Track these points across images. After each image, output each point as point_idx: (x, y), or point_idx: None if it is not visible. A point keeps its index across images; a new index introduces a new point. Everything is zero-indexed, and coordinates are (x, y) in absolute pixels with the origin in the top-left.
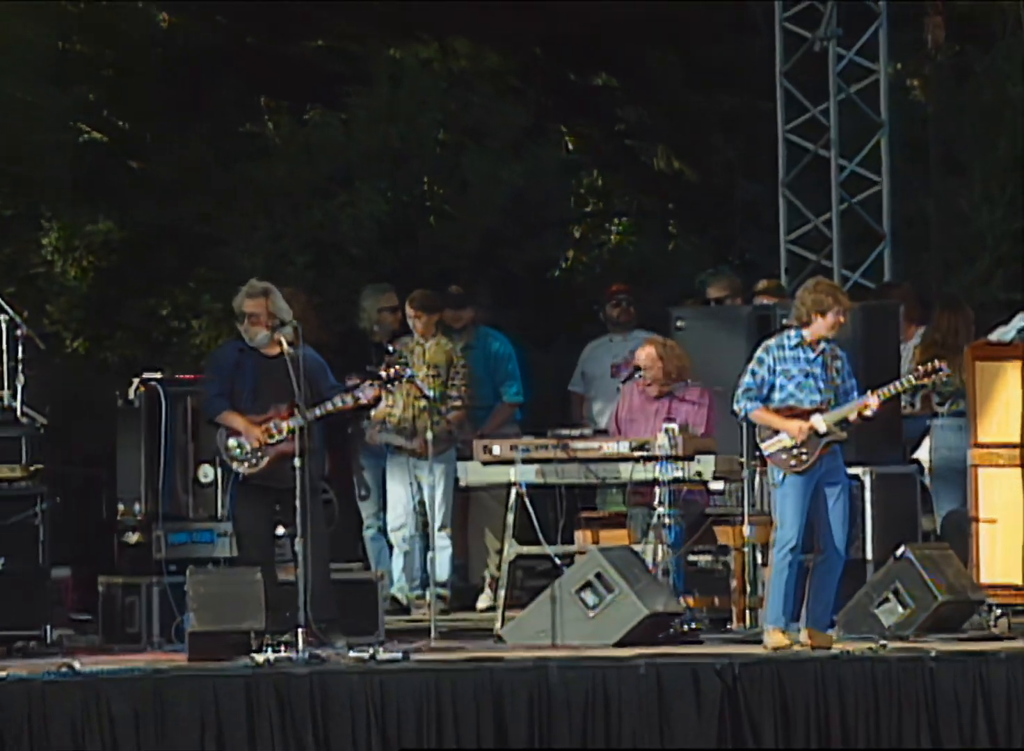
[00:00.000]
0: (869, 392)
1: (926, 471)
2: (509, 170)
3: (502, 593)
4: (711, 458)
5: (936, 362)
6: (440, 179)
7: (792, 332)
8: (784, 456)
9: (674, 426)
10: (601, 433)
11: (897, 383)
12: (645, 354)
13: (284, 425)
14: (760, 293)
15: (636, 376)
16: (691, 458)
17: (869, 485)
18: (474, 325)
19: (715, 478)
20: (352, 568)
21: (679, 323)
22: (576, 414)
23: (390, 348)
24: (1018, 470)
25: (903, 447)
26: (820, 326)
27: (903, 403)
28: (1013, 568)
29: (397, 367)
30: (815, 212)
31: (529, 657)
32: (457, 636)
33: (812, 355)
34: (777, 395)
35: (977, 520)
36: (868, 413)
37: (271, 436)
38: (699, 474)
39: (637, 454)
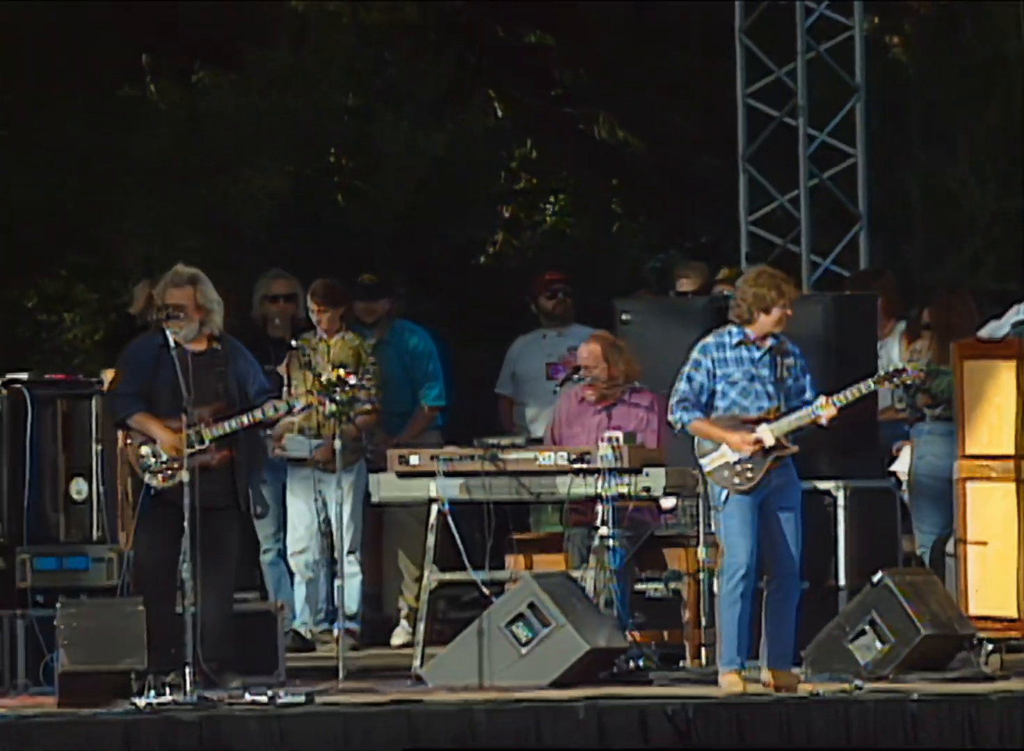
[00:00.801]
0: (824, 398)
1: (905, 485)
2: (428, 140)
3: (421, 627)
4: (661, 471)
5: (903, 365)
6: (349, 150)
7: (733, 328)
8: (727, 473)
9: (618, 435)
10: (535, 442)
11: (857, 387)
12: (588, 352)
13: (207, 433)
14: (719, 282)
15: (576, 378)
16: (638, 471)
17: (842, 501)
18: (389, 319)
19: (666, 494)
20: (247, 598)
21: (624, 317)
22: (505, 420)
23: (293, 344)
24: (1012, 485)
25: (881, 457)
26: (764, 323)
27: (896, 404)
28: (1006, 597)
29: (341, 372)
30: (780, 189)
31: (452, 700)
32: (369, 676)
33: (757, 354)
34: (719, 403)
35: (965, 542)
36: (823, 422)
37: (190, 445)
38: (647, 489)
39: (576, 467)
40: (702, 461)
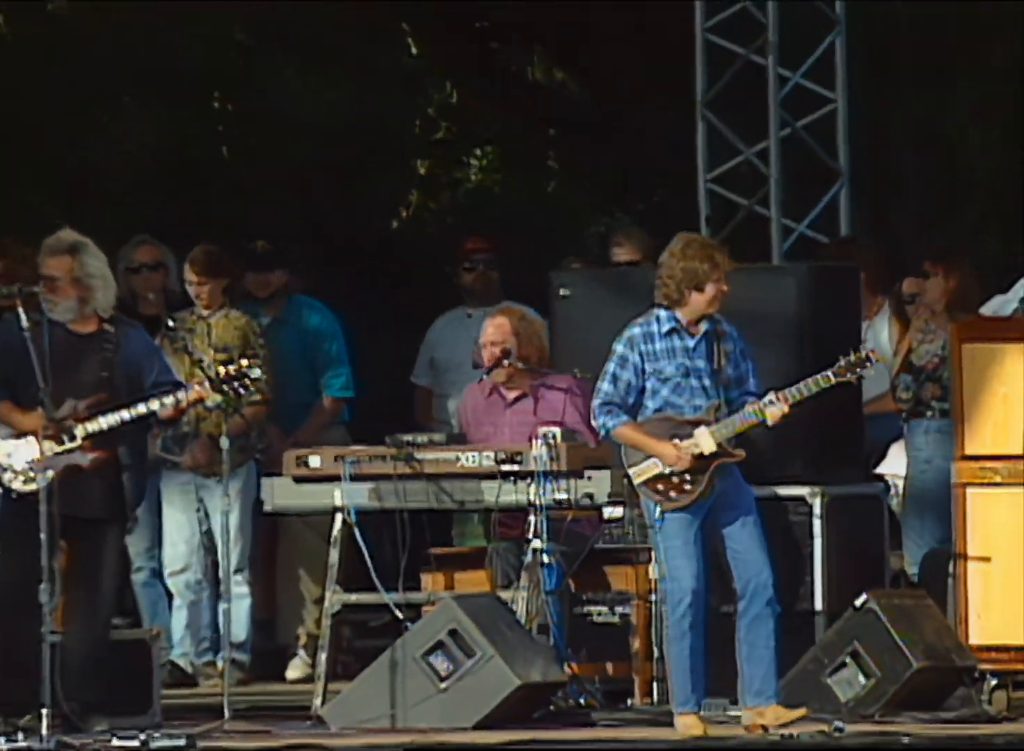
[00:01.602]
0: (774, 394)
1: (895, 491)
2: (330, 84)
3: (322, 658)
4: (605, 474)
5: (865, 351)
6: (237, 96)
7: (662, 313)
8: (661, 486)
9: (554, 431)
10: (457, 439)
11: (814, 380)
12: (496, 327)
13: (80, 429)
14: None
15: (507, 363)
16: (579, 475)
17: (819, 510)
18: (285, 293)
19: (611, 502)
20: (117, 625)
21: (562, 292)
22: (423, 414)
23: (170, 323)
24: (1020, 490)
25: (867, 457)
26: (698, 303)
27: (900, 394)
28: (1013, 623)
29: (248, 360)
30: (746, 141)
31: (359, 745)
32: (261, 716)
33: (691, 343)
34: (649, 403)
35: (965, 558)
36: (771, 422)
37: (60, 442)
38: (590, 496)
39: (506, 469)
40: (631, 472)
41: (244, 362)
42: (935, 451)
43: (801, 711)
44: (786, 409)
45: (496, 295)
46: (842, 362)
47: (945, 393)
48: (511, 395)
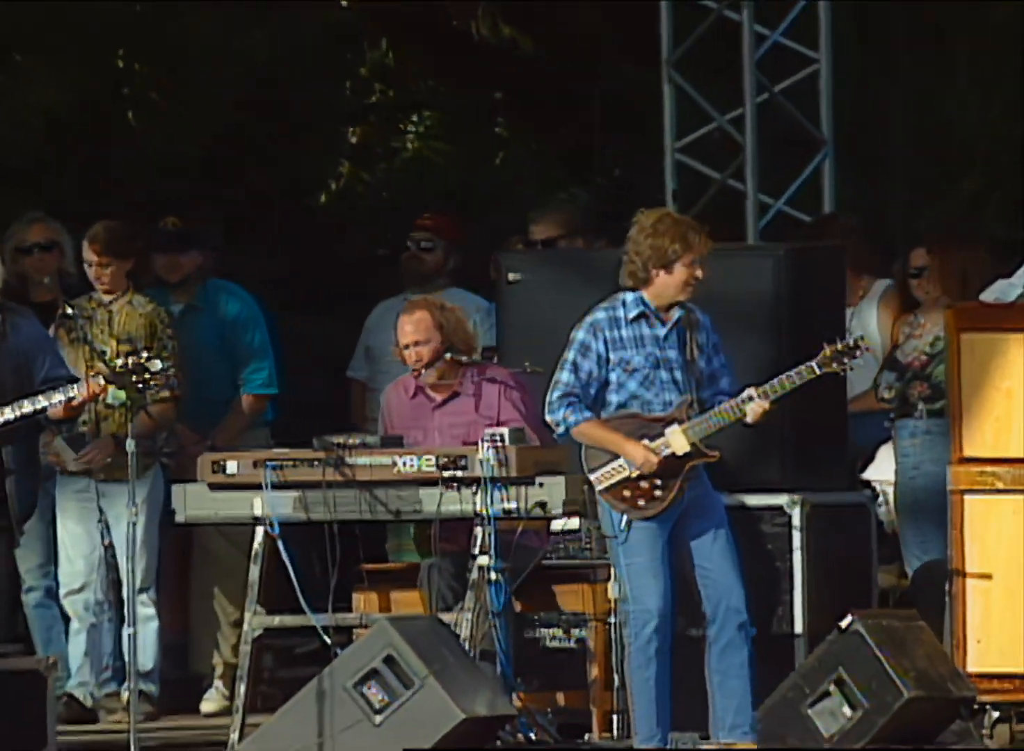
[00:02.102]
0: (753, 389)
1: (884, 498)
2: (248, 39)
3: (241, 689)
4: (560, 481)
5: (853, 338)
6: (143, 53)
7: (628, 297)
8: (628, 493)
9: (502, 432)
10: (393, 442)
11: (798, 372)
12: (414, 324)
13: None
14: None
15: (447, 356)
16: (531, 481)
17: (798, 521)
18: (200, 277)
19: (567, 513)
20: (6, 652)
21: (511, 276)
22: (358, 411)
23: (68, 310)
24: (1023, 498)
25: (852, 462)
26: (665, 287)
27: (883, 393)
28: (1016, 648)
29: (148, 351)
30: (718, 107)
31: None
32: None
33: (662, 331)
34: (613, 397)
35: (963, 574)
36: (752, 420)
37: None
38: (542, 505)
39: (448, 475)
40: (593, 477)
41: (144, 353)
42: (924, 455)
43: None
44: (767, 405)
45: (444, 279)
46: (827, 351)
47: (935, 392)
48: (439, 396)
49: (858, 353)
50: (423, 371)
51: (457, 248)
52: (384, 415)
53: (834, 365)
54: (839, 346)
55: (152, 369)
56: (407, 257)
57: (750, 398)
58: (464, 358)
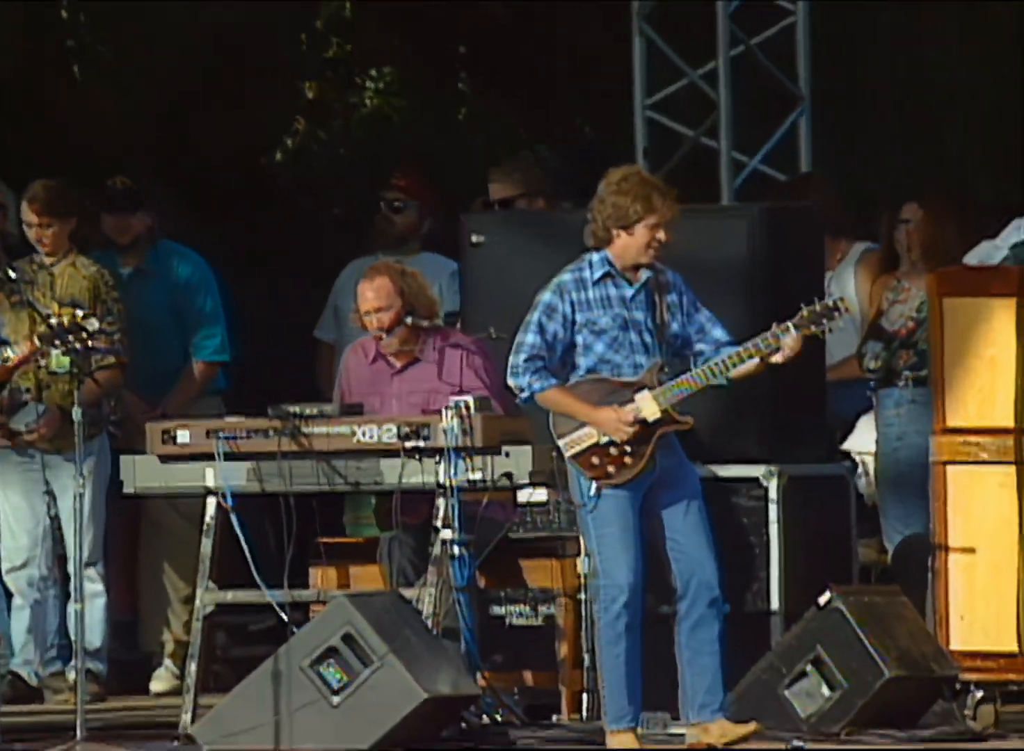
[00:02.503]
0: (737, 348)
1: (864, 470)
2: None
3: (193, 667)
4: (527, 451)
5: (833, 299)
6: (87, 6)
7: (594, 257)
8: (596, 460)
9: (467, 399)
10: (352, 411)
11: (773, 334)
12: (375, 289)
13: None
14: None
15: (408, 320)
16: (496, 451)
17: (775, 493)
18: (150, 240)
19: (533, 483)
20: None
21: (475, 238)
22: (324, 375)
23: (11, 273)
24: (1010, 469)
25: (831, 432)
26: (626, 248)
27: (868, 363)
28: (1002, 626)
29: (77, 314)
30: (690, 61)
31: None
32: (120, 736)
33: (630, 291)
34: (582, 360)
35: (946, 549)
36: (785, 356)
37: None
38: (508, 476)
39: (410, 445)
40: (561, 443)
41: (79, 312)
42: (908, 425)
43: (751, 727)
44: (750, 367)
45: (419, 241)
46: (805, 312)
47: (920, 360)
48: (400, 362)
49: (836, 315)
50: (384, 337)
51: (431, 210)
52: (341, 379)
53: (812, 327)
54: (817, 306)
55: (89, 328)
56: (379, 218)
57: (777, 334)
58: (425, 323)
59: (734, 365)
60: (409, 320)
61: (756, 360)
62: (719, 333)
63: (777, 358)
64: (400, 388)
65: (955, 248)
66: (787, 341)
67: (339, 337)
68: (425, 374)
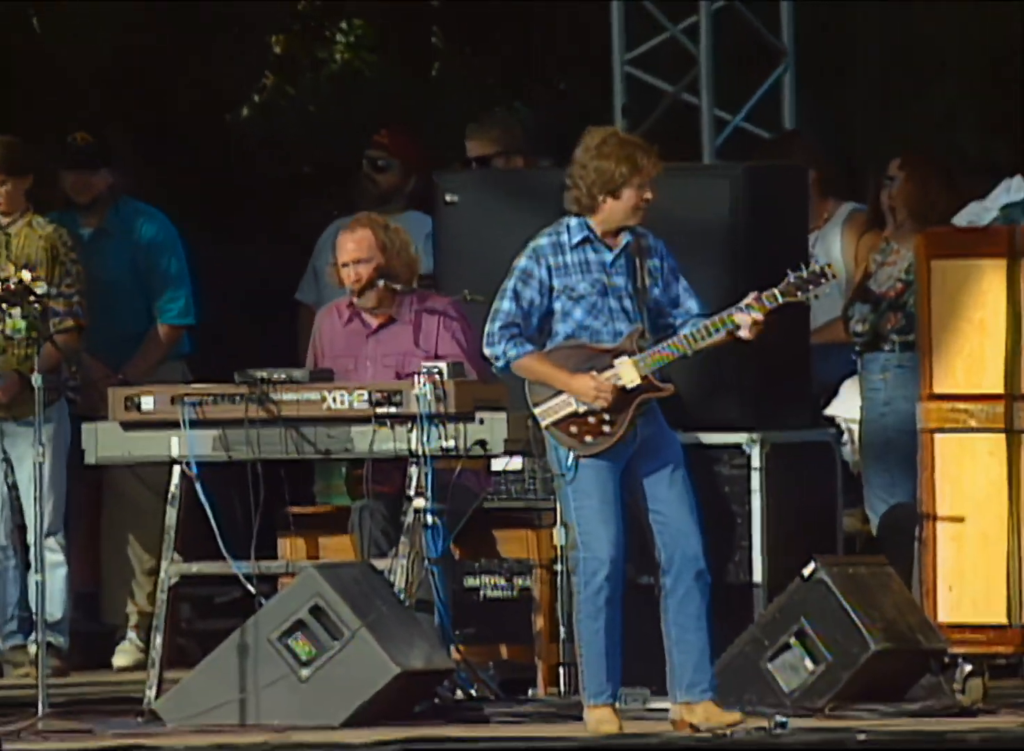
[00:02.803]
0: (713, 318)
1: (848, 437)
2: None
3: (158, 641)
4: (501, 417)
5: (820, 265)
6: None
7: (572, 221)
8: (575, 429)
9: (440, 366)
10: (322, 376)
11: (756, 299)
12: (356, 242)
13: None
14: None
15: (380, 284)
16: (470, 418)
17: (758, 461)
18: (112, 198)
19: (508, 451)
20: None
21: (449, 197)
22: (304, 338)
23: None
24: (999, 437)
25: (814, 398)
26: (613, 212)
27: (855, 326)
28: (991, 598)
29: (25, 276)
30: (670, 16)
31: (202, 745)
32: (82, 711)
33: (609, 256)
34: (560, 327)
35: (933, 518)
36: (746, 333)
37: None
38: (482, 444)
39: (381, 412)
40: (537, 411)
41: (27, 275)
42: (896, 391)
43: (736, 716)
44: (761, 316)
45: (404, 200)
46: (792, 278)
47: (908, 323)
48: (375, 321)
49: (823, 281)
50: (359, 295)
51: (416, 168)
52: (315, 341)
53: (798, 294)
54: (804, 273)
55: (37, 291)
56: (362, 176)
57: (739, 309)
58: (399, 286)
59: (701, 339)
60: (381, 283)
61: (721, 334)
62: (692, 304)
63: (742, 334)
64: (375, 350)
65: (941, 206)
66: (744, 319)
67: (319, 300)
68: (401, 336)
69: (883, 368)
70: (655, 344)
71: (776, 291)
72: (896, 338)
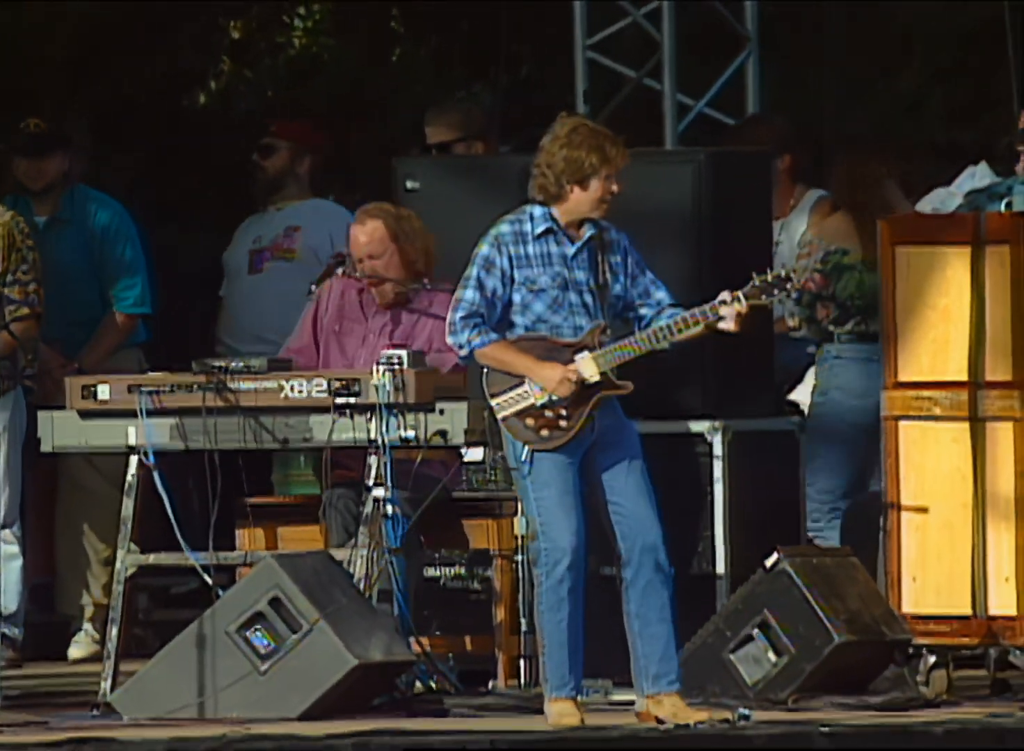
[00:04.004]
0: (727, 293)
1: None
2: None
3: (113, 632)
4: (462, 407)
5: (785, 270)
6: None
7: (536, 210)
8: (531, 422)
9: (400, 354)
10: (281, 366)
11: (722, 302)
12: (368, 234)
13: None
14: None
15: (341, 271)
16: (430, 408)
17: (720, 449)
18: (66, 185)
19: (468, 442)
20: None
21: (409, 184)
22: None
23: None
24: (964, 425)
25: (778, 386)
26: (579, 203)
27: (788, 320)
28: (955, 588)
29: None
30: (634, 1)
31: (159, 738)
32: (36, 704)
33: (571, 250)
34: (519, 319)
35: (897, 508)
36: (730, 325)
37: None
38: (443, 434)
39: (341, 401)
40: (493, 403)
41: None
42: (831, 381)
43: (703, 714)
44: (745, 308)
45: (281, 187)
46: (756, 281)
47: (842, 313)
48: (379, 307)
49: (789, 285)
50: (374, 291)
51: (307, 148)
52: (322, 300)
53: (763, 297)
54: (769, 277)
55: (18, 280)
56: (251, 167)
57: (723, 302)
58: (414, 285)
59: (679, 331)
60: (390, 286)
61: (700, 327)
62: (662, 296)
63: (726, 325)
64: (384, 335)
65: (879, 197)
66: (732, 311)
67: (227, 293)
68: (408, 319)
69: (823, 360)
70: (616, 340)
71: (740, 293)
72: (834, 329)
